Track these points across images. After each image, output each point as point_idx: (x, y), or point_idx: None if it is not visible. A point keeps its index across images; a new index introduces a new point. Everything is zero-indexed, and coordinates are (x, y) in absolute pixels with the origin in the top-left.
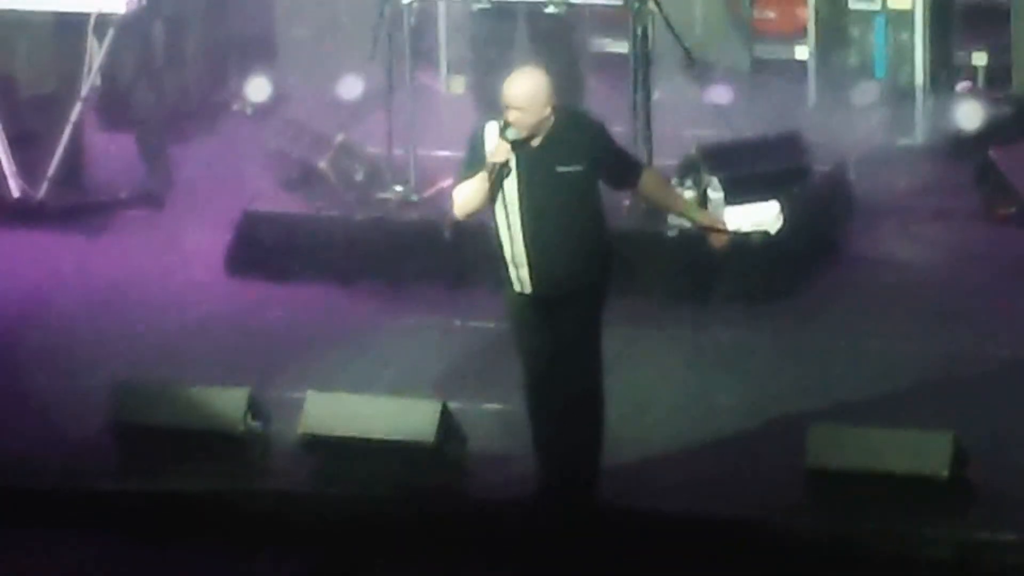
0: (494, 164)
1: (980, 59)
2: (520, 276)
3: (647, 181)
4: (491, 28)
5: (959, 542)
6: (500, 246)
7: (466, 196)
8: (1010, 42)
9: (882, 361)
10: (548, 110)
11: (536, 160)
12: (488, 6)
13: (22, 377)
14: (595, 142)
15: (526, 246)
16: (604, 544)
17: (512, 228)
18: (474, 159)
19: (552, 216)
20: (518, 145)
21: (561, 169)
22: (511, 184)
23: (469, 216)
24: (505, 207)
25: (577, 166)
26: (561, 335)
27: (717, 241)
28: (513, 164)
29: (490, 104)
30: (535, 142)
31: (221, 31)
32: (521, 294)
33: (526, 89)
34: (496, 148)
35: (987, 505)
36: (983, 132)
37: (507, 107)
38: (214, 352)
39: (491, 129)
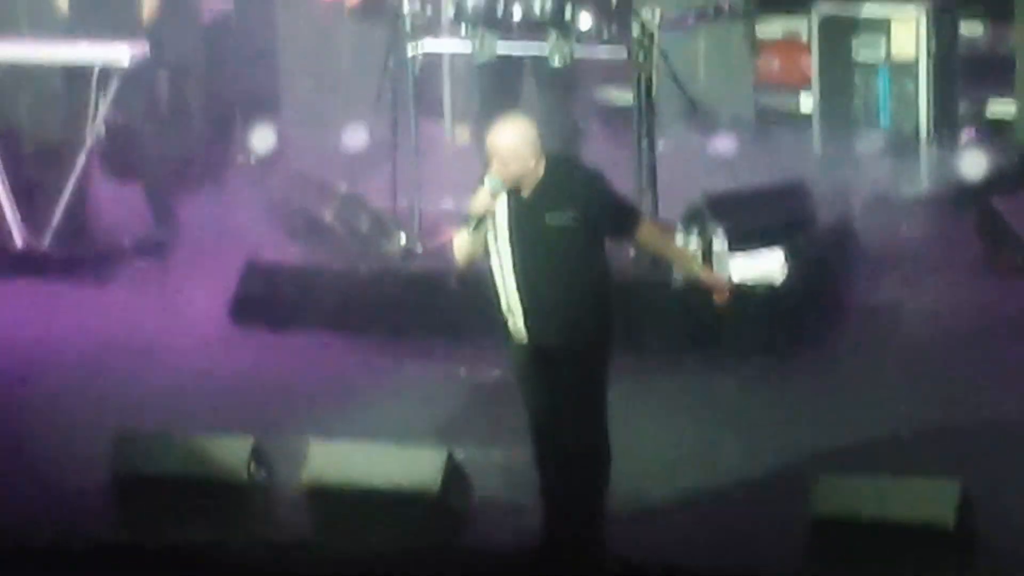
0: (475, 214)
1: (985, 109)
2: (516, 326)
3: (645, 231)
4: (496, 80)
5: None
6: (496, 296)
7: (458, 247)
8: (1013, 92)
9: (887, 411)
10: (533, 161)
11: (526, 210)
12: (493, 58)
13: (24, 427)
14: (588, 191)
15: (519, 297)
16: None
17: (505, 278)
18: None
19: (543, 266)
20: (507, 195)
21: (551, 219)
22: (503, 234)
23: (469, 264)
24: (499, 257)
25: (569, 216)
26: (562, 388)
27: (719, 297)
28: (504, 214)
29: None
30: (525, 192)
31: (225, 82)
32: (520, 345)
33: (509, 140)
34: (477, 197)
35: (993, 555)
36: (987, 182)
37: (491, 155)
38: (218, 402)
39: (482, 191)
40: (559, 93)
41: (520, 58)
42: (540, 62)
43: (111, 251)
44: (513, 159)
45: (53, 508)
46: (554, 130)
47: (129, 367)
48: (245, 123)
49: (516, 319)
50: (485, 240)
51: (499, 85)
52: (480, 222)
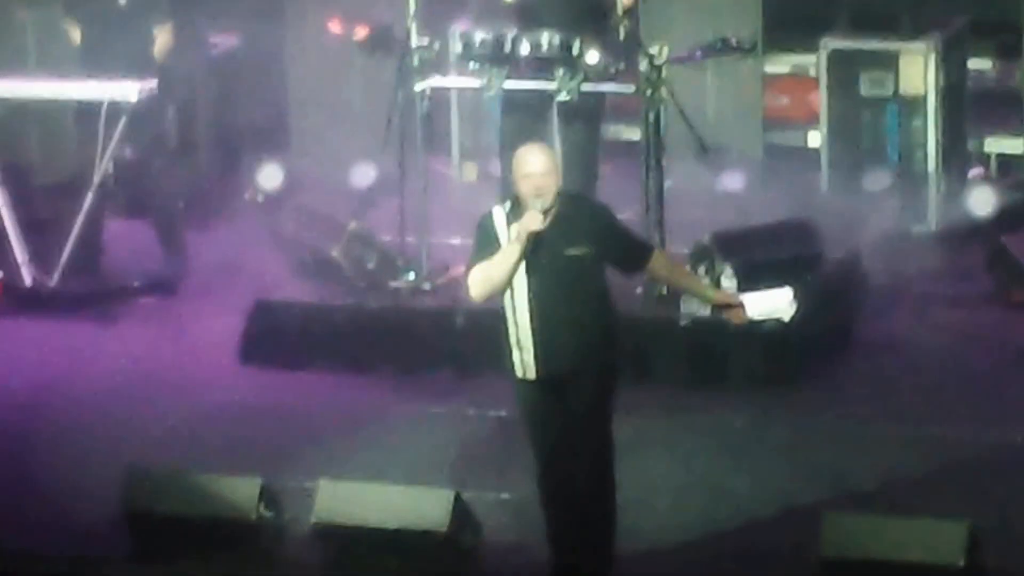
0: (531, 233)
1: (992, 145)
2: (524, 360)
3: (657, 263)
4: (519, 114)
5: None
6: (506, 330)
7: (488, 277)
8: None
9: (895, 448)
10: (559, 181)
11: (542, 243)
12: (500, 94)
13: (34, 465)
14: (600, 226)
15: (532, 330)
16: None
17: (518, 311)
18: (486, 244)
19: (558, 298)
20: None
21: (569, 252)
22: (519, 267)
23: (485, 299)
24: (512, 290)
25: (584, 249)
26: (569, 421)
27: (736, 318)
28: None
29: (503, 189)
30: (541, 224)
31: (233, 118)
32: (525, 380)
33: (544, 154)
34: (528, 218)
35: None
36: (996, 218)
37: (527, 178)
38: (226, 440)
39: (498, 214)
40: (583, 128)
41: (527, 93)
42: (547, 97)
43: (120, 288)
44: (551, 174)
45: (62, 545)
46: (575, 165)
47: (138, 405)
48: (253, 159)
49: (526, 353)
50: (517, 267)
51: (522, 119)
52: (529, 245)
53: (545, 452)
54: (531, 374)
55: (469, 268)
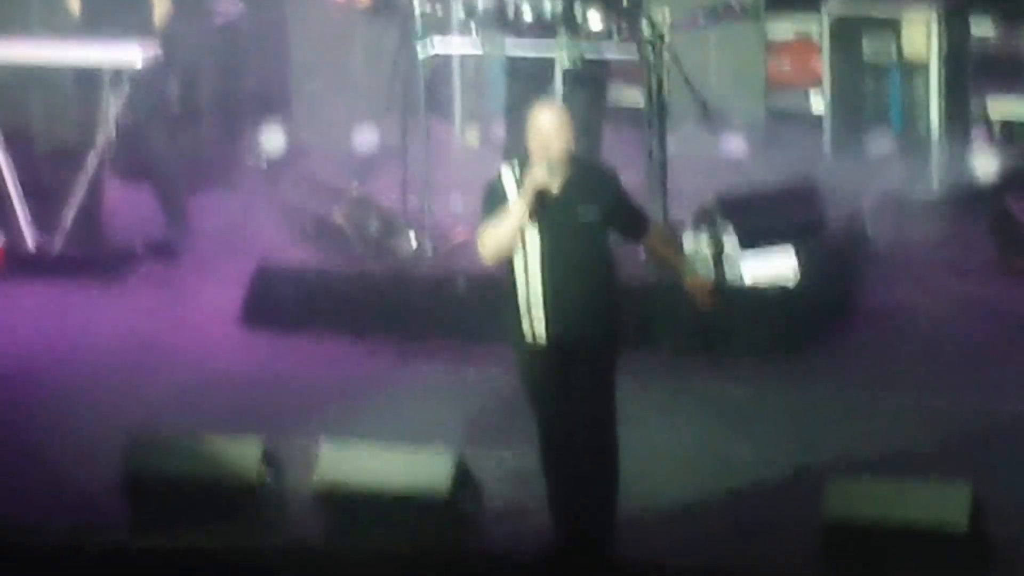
0: (536, 191)
1: (995, 109)
2: (535, 326)
3: (655, 234)
4: (524, 77)
5: None
6: (514, 295)
7: (498, 237)
8: None
9: (898, 413)
10: (568, 150)
11: (556, 206)
12: (503, 59)
13: (34, 430)
14: (608, 190)
15: (544, 294)
16: None
17: (530, 275)
18: (494, 204)
19: (571, 261)
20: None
21: (582, 216)
22: (530, 231)
23: (498, 261)
24: (524, 254)
25: (595, 214)
26: (574, 388)
27: (701, 302)
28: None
29: (504, 153)
30: (554, 186)
31: (236, 84)
32: (533, 346)
33: (556, 116)
34: (534, 177)
35: (1005, 558)
36: (999, 183)
37: (537, 137)
38: (229, 404)
39: (507, 174)
40: (587, 94)
41: (529, 59)
42: (550, 63)
43: (122, 253)
44: (556, 142)
45: (65, 509)
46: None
47: (140, 369)
48: (256, 124)
49: (536, 318)
50: (525, 227)
51: (526, 84)
52: (537, 204)
53: (548, 418)
54: (540, 339)
55: (481, 230)
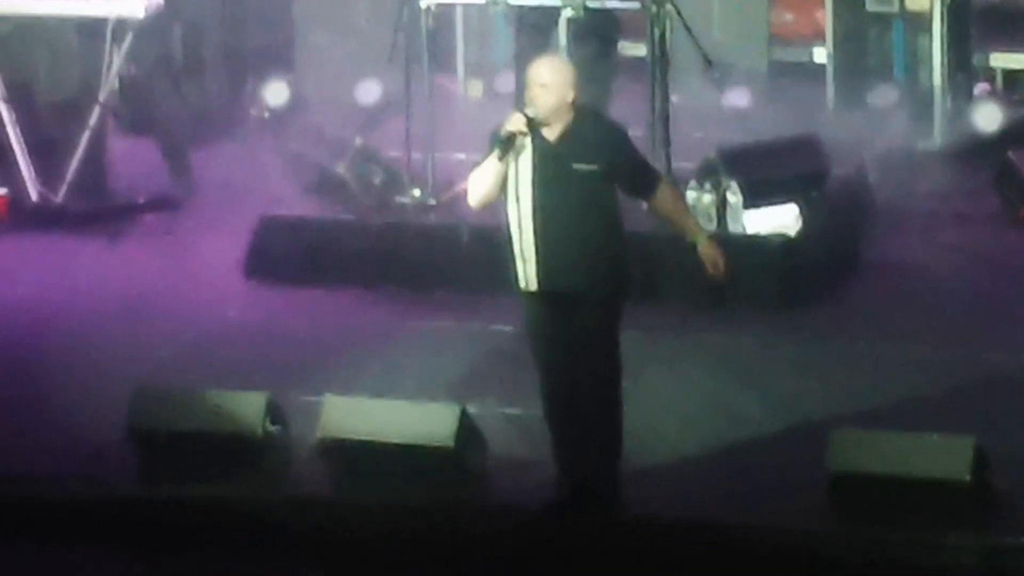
0: (507, 134)
1: (999, 61)
2: (527, 271)
3: (662, 194)
4: (531, 29)
5: (981, 547)
6: (509, 240)
7: (479, 180)
8: None
9: (903, 366)
10: (569, 98)
11: (552, 155)
12: (505, 9)
13: (39, 383)
14: (614, 145)
15: (535, 240)
16: (624, 552)
17: (523, 221)
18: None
19: (563, 212)
20: (533, 137)
21: (576, 166)
22: (525, 177)
23: (482, 205)
24: (517, 200)
25: (592, 165)
26: (571, 338)
27: (711, 272)
28: (529, 157)
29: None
30: (552, 136)
31: (239, 36)
32: (528, 293)
33: (550, 67)
34: (511, 119)
35: (1009, 510)
36: (1002, 135)
37: (527, 87)
38: (233, 357)
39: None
40: (593, 46)
41: (534, 9)
42: (554, 13)
43: (126, 206)
44: (553, 88)
45: (71, 462)
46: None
47: (145, 322)
48: (259, 77)
49: (528, 265)
50: (504, 182)
51: (534, 35)
52: (507, 147)
53: (545, 367)
54: (532, 286)
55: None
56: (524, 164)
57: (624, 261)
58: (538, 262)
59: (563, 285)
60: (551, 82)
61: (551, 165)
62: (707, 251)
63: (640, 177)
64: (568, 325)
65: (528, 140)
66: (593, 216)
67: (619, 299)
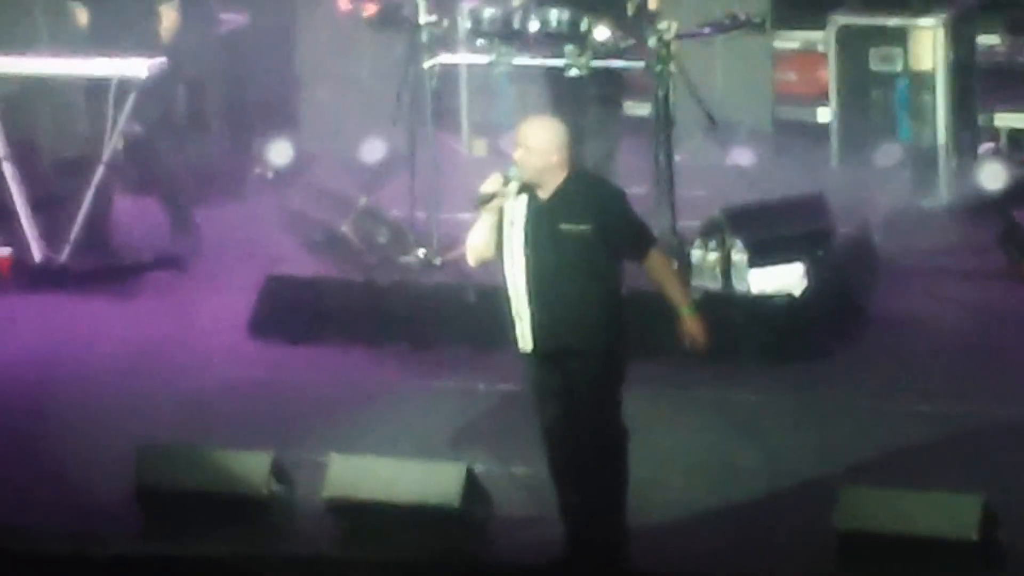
0: (483, 195)
1: (1003, 120)
2: (523, 331)
3: (652, 261)
4: (514, 91)
5: None
6: (508, 301)
7: (473, 240)
8: None
9: (908, 422)
10: (556, 159)
11: (542, 215)
12: (510, 69)
13: (43, 441)
14: (606, 206)
15: (528, 300)
16: None
17: (516, 282)
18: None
19: (555, 272)
20: (528, 198)
21: (565, 227)
22: (518, 238)
23: (480, 264)
24: (512, 261)
25: (582, 226)
26: (570, 397)
27: (693, 345)
28: (523, 217)
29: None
30: (544, 196)
31: (243, 95)
32: (526, 353)
33: (534, 129)
34: (490, 180)
35: (1017, 567)
36: (1007, 193)
37: (516, 147)
38: (237, 415)
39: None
40: (598, 105)
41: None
42: (557, 72)
43: (130, 264)
44: (536, 151)
45: (75, 519)
46: (588, 142)
47: (148, 381)
48: (263, 135)
49: (524, 324)
50: (500, 243)
51: (518, 96)
52: (485, 206)
53: (547, 426)
54: (527, 346)
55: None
56: (518, 224)
57: (620, 320)
58: (532, 322)
59: (556, 345)
60: (534, 145)
61: (543, 225)
62: (687, 325)
63: (633, 241)
64: (564, 383)
65: (524, 200)
66: (584, 276)
67: (616, 357)
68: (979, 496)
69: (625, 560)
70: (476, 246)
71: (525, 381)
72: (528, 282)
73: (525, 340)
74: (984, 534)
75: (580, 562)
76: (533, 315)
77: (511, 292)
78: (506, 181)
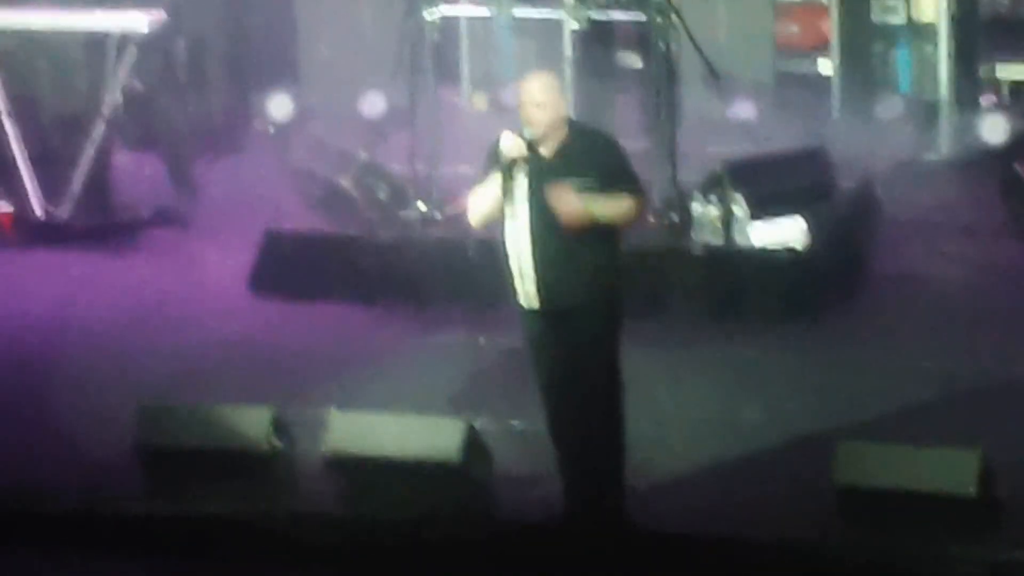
0: (508, 160)
1: (1004, 72)
2: (526, 289)
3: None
4: (515, 43)
5: (987, 560)
6: (507, 259)
7: (479, 202)
8: None
9: (908, 378)
10: (562, 113)
11: (547, 172)
12: (510, 21)
13: (45, 398)
14: (607, 158)
15: (533, 258)
16: (630, 565)
17: (520, 240)
18: (489, 169)
19: (560, 231)
20: (533, 147)
21: (575, 184)
22: (521, 196)
23: (483, 225)
24: (514, 219)
25: (589, 183)
26: (571, 354)
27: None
28: (524, 175)
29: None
30: (548, 153)
31: (243, 50)
32: (529, 309)
33: (542, 84)
34: (511, 144)
35: (1014, 523)
36: (1009, 146)
37: (522, 106)
38: (238, 372)
39: (507, 139)
40: (599, 57)
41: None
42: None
43: (130, 220)
44: (547, 105)
45: (77, 476)
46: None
47: (148, 337)
48: (263, 90)
49: (527, 282)
50: (505, 192)
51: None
52: (511, 172)
53: (546, 383)
54: (533, 303)
55: (471, 194)
56: (520, 182)
57: (620, 277)
58: (537, 279)
59: (562, 302)
60: (545, 100)
61: (547, 182)
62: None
63: (628, 190)
64: (567, 340)
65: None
66: (589, 233)
67: (617, 312)
68: (977, 451)
69: (624, 515)
70: (483, 208)
71: (524, 337)
72: (532, 240)
73: (529, 298)
74: (982, 489)
75: (580, 518)
76: (538, 272)
77: (512, 250)
78: (529, 146)
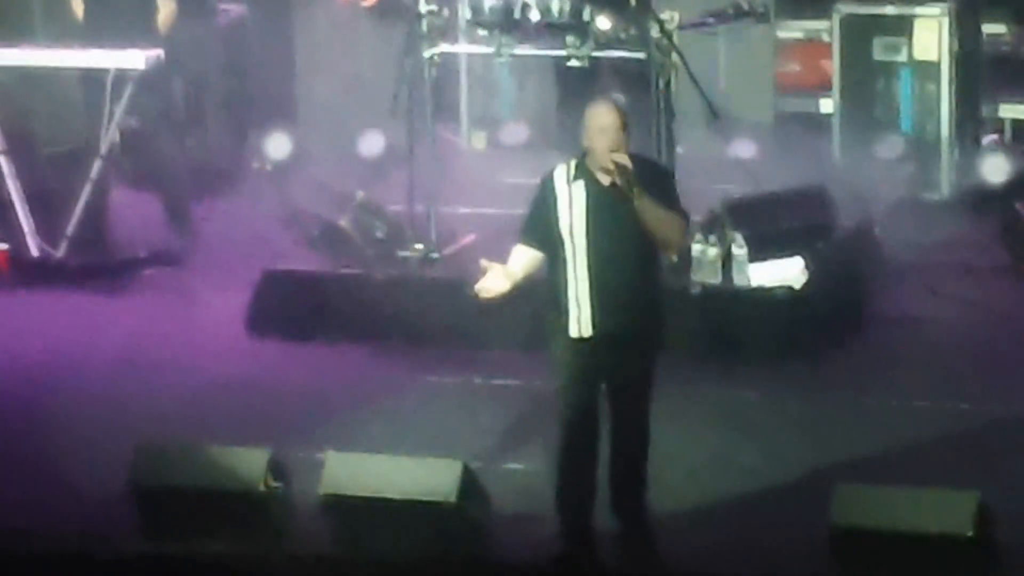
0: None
1: (1007, 112)
2: (581, 317)
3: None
4: (515, 82)
5: None
6: (562, 287)
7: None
8: None
9: (907, 419)
10: (623, 141)
11: (604, 198)
12: (510, 59)
13: (39, 438)
14: (662, 187)
15: (591, 285)
16: None
17: (578, 267)
18: (542, 203)
19: (619, 255)
20: (585, 183)
21: (631, 209)
22: (579, 223)
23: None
24: (572, 246)
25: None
26: (618, 384)
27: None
28: (583, 202)
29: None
30: (605, 180)
31: (241, 88)
32: (578, 340)
33: (606, 110)
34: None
35: (1012, 565)
36: (1010, 186)
37: (603, 132)
38: (234, 412)
39: (560, 173)
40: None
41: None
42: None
43: (127, 259)
44: (611, 130)
45: (71, 517)
46: None
47: (145, 377)
48: (261, 129)
49: (583, 310)
50: (547, 237)
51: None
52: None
53: (581, 416)
54: (587, 331)
55: (522, 228)
56: (578, 209)
57: (664, 305)
58: (593, 307)
59: (618, 329)
60: (608, 124)
61: (606, 208)
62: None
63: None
64: (616, 371)
65: (581, 185)
66: (645, 259)
67: (663, 342)
68: (975, 493)
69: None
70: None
71: (564, 367)
72: (590, 267)
73: (583, 326)
74: (980, 531)
75: (577, 559)
76: (594, 300)
77: (570, 278)
78: (613, 172)
